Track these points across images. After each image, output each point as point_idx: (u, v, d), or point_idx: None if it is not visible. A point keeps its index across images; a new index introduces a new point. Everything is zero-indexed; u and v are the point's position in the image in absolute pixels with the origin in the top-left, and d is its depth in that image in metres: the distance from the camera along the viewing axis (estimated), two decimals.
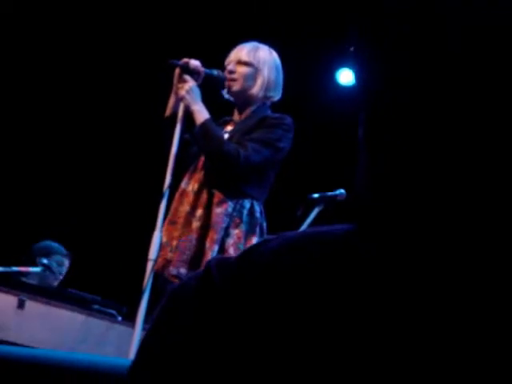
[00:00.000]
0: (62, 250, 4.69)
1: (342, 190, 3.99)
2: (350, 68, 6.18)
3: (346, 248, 0.68)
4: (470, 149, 0.61)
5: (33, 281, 4.24)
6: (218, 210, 2.97)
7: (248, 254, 0.73)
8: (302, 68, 4.53)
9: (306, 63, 5.59)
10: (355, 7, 0.71)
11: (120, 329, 4.00)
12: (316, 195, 3.98)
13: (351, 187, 3.40)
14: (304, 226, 3.99)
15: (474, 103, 0.61)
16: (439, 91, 0.62)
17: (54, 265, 4.45)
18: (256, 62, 3.17)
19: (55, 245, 4.68)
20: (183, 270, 2.92)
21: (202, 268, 0.76)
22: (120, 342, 3.91)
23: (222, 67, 3.25)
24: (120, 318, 4.10)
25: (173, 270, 2.93)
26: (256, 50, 3.21)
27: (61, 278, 4.63)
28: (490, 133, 0.60)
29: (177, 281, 2.95)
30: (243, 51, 3.20)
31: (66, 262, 4.71)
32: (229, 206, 2.99)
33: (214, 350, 0.67)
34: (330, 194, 3.99)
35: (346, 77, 6.23)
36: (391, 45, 0.66)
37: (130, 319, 4.09)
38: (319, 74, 6.13)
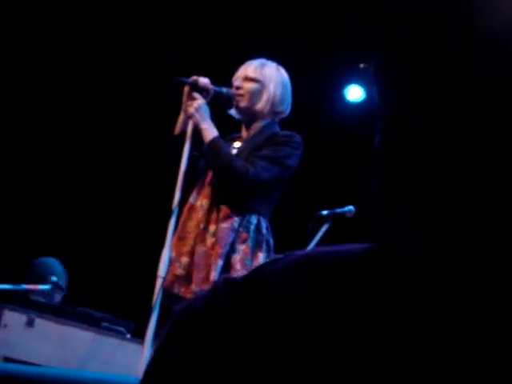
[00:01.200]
0: (63, 270, 4.68)
1: (351, 207, 3.98)
2: (359, 84, 6.19)
3: (364, 268, 0.67)
4: (487, 168, 0.61)
5: (39, 298, 4.23)
6: (223, 225, 2.98)
7: (256, 274, 0.72)
8: (310, 84, 4.55)
9: (314, 80, 5.60)
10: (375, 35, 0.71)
11: (129, 346, 3.99)
12: (325, 212, 3.97)
13: (360, 204, 3.40)
14: (313, 243, 3.99)
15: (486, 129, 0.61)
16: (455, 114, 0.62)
17: (61, 281, 4.45)
18: (262, 77, 3.19)
19: (58, 264, 4.67)
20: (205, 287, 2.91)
21: (208, 288, 0.76)
22: (129, 359, 3.90)
23: (231, 85, 3.26)
24: (129, 336, 4.09)
25: (194, 288, 2.92)
26: (263, 66, 3.23)
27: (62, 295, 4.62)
28: (504, 153, 0.60)
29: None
30: (250, 68, 3.22)
31: (65, 284, 4.70)
32: (235, 221, 3.00)
33: (221, 373, 0.66)
34: (338, 210, 3.98)
35: (354, 93, 6.24)
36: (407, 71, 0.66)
37: (139, 336, 4.09)
38: (328, 91, 6.14)
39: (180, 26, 5.52)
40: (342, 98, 6.25)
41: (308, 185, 5.32)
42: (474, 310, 0.61)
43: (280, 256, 0.75)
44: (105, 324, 4.00)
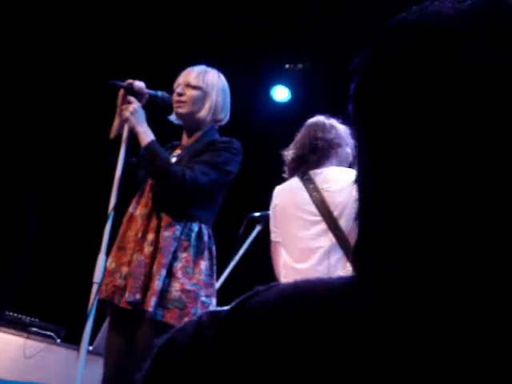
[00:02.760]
0: None
1: None
2: (284, 85, 6.25)
3: (344, 299, 0.68)
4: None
5: None
6: (165, 234, 2.94)
7: (240, 308, 0.72)
8: (237, 87, 4.55)
9: (240, 82, 5.62)
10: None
11: (59, 351, 3.94)
12: (257, 214, 4.00)
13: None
14: (245, 245, 4.01)
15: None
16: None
17: None
18: (205, 85, 3.18)
19: None
20: (138, 296, 2.86)
21: (188, 323, 0.74)
22: (59, 364, 3.84)
23: (167, 89, 3.24)
24: (59, 340, 4.03)
25: (129, 297, 2.86)
26: (205, 73, 3.22)
27: None
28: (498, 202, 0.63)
29: (130, 307, 2.88)
30: (192, 75, 3.20)
31: None
32: (177, 229, 2.96)
33: None
34: (269, 212, 4.01)
35: (280, 93, 6.29)
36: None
37: (69, 341, 4.03)
38: (254, 92, 6.17)
39: (115, 29, 5.45)
40: (268, 98, 6.30)
41: (239, 187, 5.33)
42: (456, 340, 0.62)
43: (261, 288, 0.75)
44: (34, 329, 3.94)
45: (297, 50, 5.98)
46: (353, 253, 0.74)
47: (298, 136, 3.42)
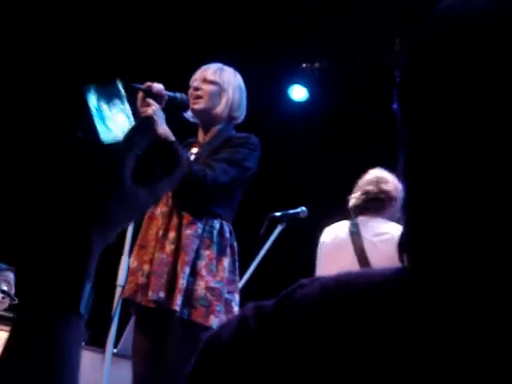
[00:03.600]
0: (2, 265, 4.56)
1: (304, 208, 4.02)
2: (302, 84, 6.24)
3: (395, 293, 0.67)
4: None
5: None
6: (187, 232, 2.96)
7: (284, 301, 0.72)
8: (255, 86, 4.55)
9: (258, 81, 5.62)
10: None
11: (84, 354, 3.94)
12: (278, 214, 4.00)
13: (312, 204, 3.41)
14: (267, 245, 4.01)
15: None
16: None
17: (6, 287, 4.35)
18: (221, 81, 3.19)
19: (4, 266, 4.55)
20: (162, 294, 2.88)
21: (233, 317, 0.74)
22: (85, 367, 3.85)
23: (184, 91, 3.25)
24: (83, 343, 4.04)
25: (152, 295, 2.88)
26: (221, 70, 3.24)
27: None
28: None
29: (153, 305, 2.90)
30: (209, 70, 3.22)
31: (12, 277, 4.58)
32: (198, 227, 2.98)
33: None
34: (291, 211, 4.02)
35: (298, 92, 6.29)
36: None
37: (94, 344, 4.04)
38: (272, 91, 6.17)
39: (131, 33, 5.47)
40: (286, 97, 6.29)
41: (260, 186, 5.33)
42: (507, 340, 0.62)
43: (306, 281, 0.75)
44: None
45: (314, 48, 5.98)
46: (399, 244, 0.72)
47: (362, 182, 3.57)
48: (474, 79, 0.64)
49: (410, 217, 0.70)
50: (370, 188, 3.50)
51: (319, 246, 3.59)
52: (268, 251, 4.01)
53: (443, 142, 0.65)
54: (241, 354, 0.69)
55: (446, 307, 0.64)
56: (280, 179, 5.99)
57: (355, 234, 3.38)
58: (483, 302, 0.63)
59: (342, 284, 0.71)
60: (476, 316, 0.63)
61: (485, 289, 0.63)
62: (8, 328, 3.75)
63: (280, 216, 3.98)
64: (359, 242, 3.33)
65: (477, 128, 0.63)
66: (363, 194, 3.51)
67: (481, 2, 0.66)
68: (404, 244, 0.71)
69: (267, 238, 4.00)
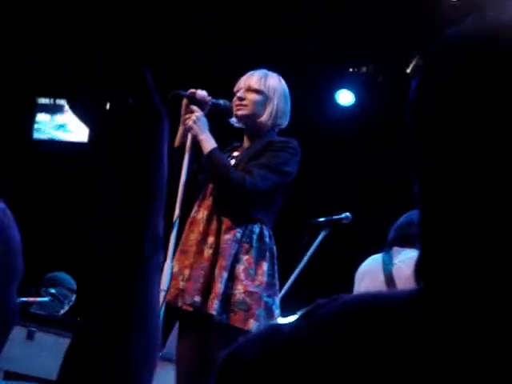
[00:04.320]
0: (72, 283, 4.68)
1: (348, 213, 3.99)
2: (349, 89, 6.23)
3: (411, 314, 0.67)
4: None
5: (39, 311, 4.23)
6: (226, 237, 2.98)
7: (303, 323, 0.72)
8: (301, 90, 4.56)
9: (305, 85, 5.62)
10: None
11: None
12: (321, 219, 3.98)
13: (356, 210, 3.40)
14: (310, 251, 4.00)
15: None
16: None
17: (62, 295, 4.45)
18: (266, 89, 3.18)
19: (66, 277, 4.67)
20: (198, 298, 2.91)
21: (251, 337, 0.74)
22: None
23: (228, 97, 3.27)
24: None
25: (187, 299, 2.92)
26: (266, 77, 3.22)
27: (66, 308, 4.62)
28: None
29: (191, 309, 2.94)
30: (253, 78, 3.20)
31: (71, 297, 4.70)
32: (237, 232, 3.00)
33: None
34: (335, 217, 3.99)
35: (344, 97, 6.27)
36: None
37: None
38: (319, 96, 6.17)
39: (172, 40, 5.52)
40: (333, 102, 6.28)
41: (304, 191, 5.33)
42: None
43: (324, 300, 0.75)
44: None
45: (361, 53, 5.96)
46: (416, 267, 0.72)
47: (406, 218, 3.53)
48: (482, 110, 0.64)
49: (425, 242, 0.71)
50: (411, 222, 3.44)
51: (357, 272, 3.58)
52: (311, 257, 4.00)
53: (456, 167, 0.65)
54: (259, 376, 0.70)
55: (459, 328, 0.64)
56: (326, 184, 5.97)
57: (386, 263, 3.36)
58: (491, 326, 0.63)
59: (361, 304, 0.72)
60: (484, 338, 0.63)
61: (492, 312, 0.63)
62: (55, 330, 3.82)
63: (323, 222, 3.96)
64: (389, 268, 3.30)
65: (489, 155, 0.63)
66: (406, 226, 3.46)
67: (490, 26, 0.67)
68: (419, 269, 0.71)
69: (310, 244, 3.99)
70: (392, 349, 0.65)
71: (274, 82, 3.23)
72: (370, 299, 0.72)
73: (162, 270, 0.81)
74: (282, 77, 3.33)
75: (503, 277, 0.63)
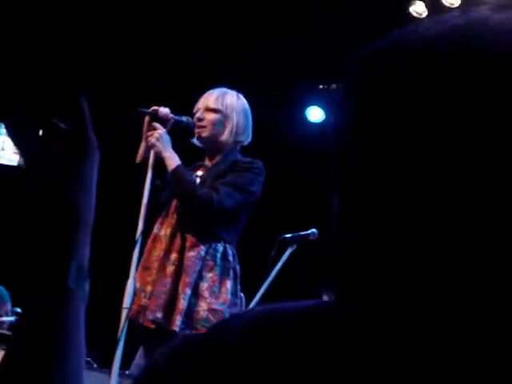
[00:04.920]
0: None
1: (314, 230, 4.00)
2: (319, 105, 6.26)
3: (322, 315, 0.67)
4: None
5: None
6: (190, 254, 2.99)
7: (217, 331, 0.72)
8: (271, 108, 4.58)
9: (275, 102, 5.64)
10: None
11: (96, 376, 3.96)
12: (288, 235, 3.98)
13: (323, 226, 3.41)
14: (277, 267, 4.00)
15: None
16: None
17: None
18: (224, 108, 3.20)
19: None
20: (160, 315, 2.91)
21: (169, 344, 0.76)
22: None
23: (191, 114, 3.27)
24: (95, 365, 4.07)
25: (149, 315, 2.92)
26: (223, 95, 3.24)
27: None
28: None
29: (153, 326, 2.93)
30: (211, 98, 3.23)
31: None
32: (201, 249, 3.01)
33: None
34: (302, 233, 3.99)
35: (315, 114, 6.31)
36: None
37: (105, 366, 4.07)
38: (289, 112, 6.19)
39: (138, 57, 5.52)
40: (303, 119, 6.31)
41: (271, 208, 5.34)
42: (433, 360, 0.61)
43: (241, 312, 0.75)
44: None
45: (330, 71, 5.99)
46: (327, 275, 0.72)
47: None
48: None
49: (337, 246, 0.71)
50: None
51: None
52: (278, 273, 4.00)
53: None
54: (169, 381, 0.70)
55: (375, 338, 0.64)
56: (295, 199, 5.98)
57: None
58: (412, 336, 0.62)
59: (265, 317, 0.72)
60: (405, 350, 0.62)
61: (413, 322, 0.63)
62: None
63: (290, 238, 3.97)
64: None
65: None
66: None
67: (410, 37, 0.67)
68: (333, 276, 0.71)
69: (278, 261, 3.99)
70: (302, 362, 0.65)
71: (232, 100, 3.24)
72: (279, 311, 0.72)
73: (86, 300, 0.81)
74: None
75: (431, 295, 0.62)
